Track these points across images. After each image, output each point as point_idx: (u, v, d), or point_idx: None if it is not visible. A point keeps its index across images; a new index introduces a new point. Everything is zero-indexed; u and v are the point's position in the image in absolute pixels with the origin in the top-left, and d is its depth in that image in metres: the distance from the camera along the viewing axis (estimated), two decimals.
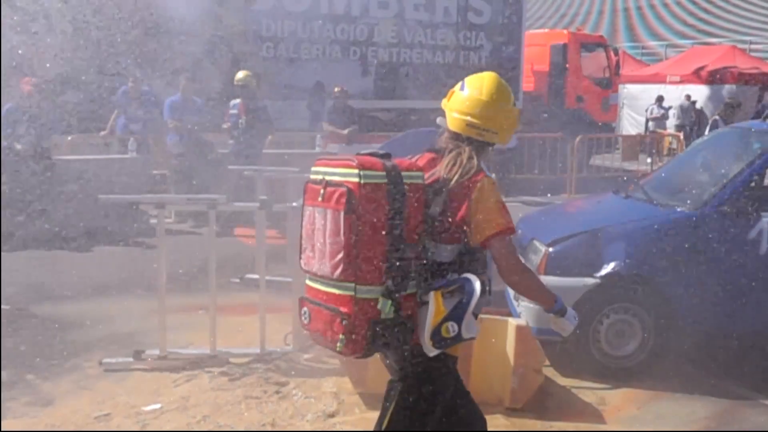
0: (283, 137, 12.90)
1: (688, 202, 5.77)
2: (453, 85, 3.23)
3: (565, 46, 18.77)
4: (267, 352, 5.56)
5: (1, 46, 9.21)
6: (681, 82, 21.56)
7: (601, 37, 21.75)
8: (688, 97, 19.72)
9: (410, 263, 2.81)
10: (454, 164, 2.98)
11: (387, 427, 3.04)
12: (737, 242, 5.56)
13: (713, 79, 21.13)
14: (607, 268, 5.43)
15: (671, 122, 20.07)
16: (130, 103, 11.24)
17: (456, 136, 3.08)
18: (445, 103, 3.16)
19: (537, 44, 18.37)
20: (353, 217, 2.70)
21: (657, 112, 20.24)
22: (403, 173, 2.83)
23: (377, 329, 2.74)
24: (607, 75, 19.13)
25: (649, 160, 17.12)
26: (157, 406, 4.84)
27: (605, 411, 5.00)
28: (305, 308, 2.96)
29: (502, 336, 4.83)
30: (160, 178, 10.91)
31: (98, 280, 7.55)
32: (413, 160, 3.10)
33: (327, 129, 12.20)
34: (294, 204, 5.83)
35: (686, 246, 5.53)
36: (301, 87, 14.14)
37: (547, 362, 5.52)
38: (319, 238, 2.83)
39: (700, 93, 20.54)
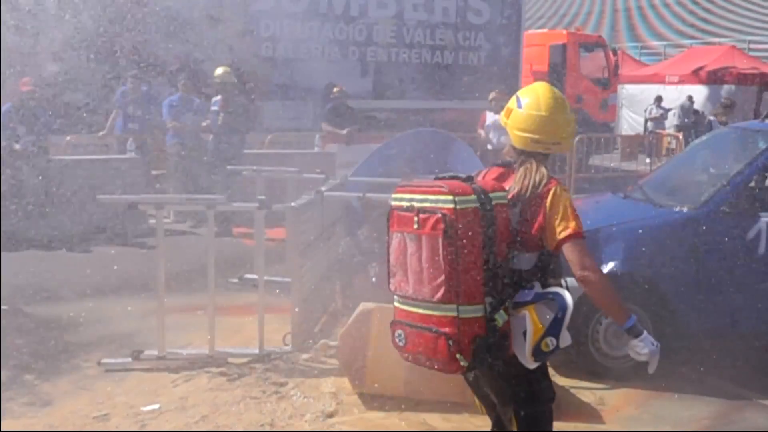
0: (282, 137, 12.91)
1: (687, 202, 5.77)
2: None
3: (563, 46, 18.78)
4: (266, 352, 5.56)
5: (1, 46, 9.21)
6: (680, 82, 21.56)
7: (600, 37, 21.75)
8: (690, 97, 19.72)
9: (503, 278, 2.96)
10: (524, 178, 3.13)
11: None
12: (736, 242, 5.56)
13: (712, 79, 21.13)
14: (606, 268, 5.43)
15: (672, 122, 20.06)
16: (129, 103, 11.23)
17: (521, 151, 3.21)
18: (504, 121, 3.26)
19: (536, 44, 18.38)
20: (451, 241, 2.82)
21: (656, 112, 20.24)
22: (491, 194, 2.95)
23: (480, 345, 2.87)
24: (605, 75, 19.14)
25: (648, 160, 17.13)
26: (156, 406, 4.84)
27: (604, 411, 5.00)
28: (400, 331, 3.06)
29: None
30: (160, 178, 10.92)
31: (97, 281, 7.54)
32: (486, 176, 3.23)
33: (325, 129, 12.19)
34: (293, 204, 5.83)
35: (685, 246, 5.53)
36: (300, 87, 14.13)
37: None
38: (414, 263, 2.93)
39: (698, 93, 20.55)
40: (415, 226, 2.91)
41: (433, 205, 2.89)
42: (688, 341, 5.55)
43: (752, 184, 5.84)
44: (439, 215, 2.84)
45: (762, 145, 5.95)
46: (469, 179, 3.03)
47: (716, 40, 28.53)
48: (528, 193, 3.09)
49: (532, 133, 3.16)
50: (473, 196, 2.90)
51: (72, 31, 11.01)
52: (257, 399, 4.95)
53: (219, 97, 10.33)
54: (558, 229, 3.03)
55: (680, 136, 17.42)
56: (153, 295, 5.63)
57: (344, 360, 4.95)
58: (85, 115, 11.30)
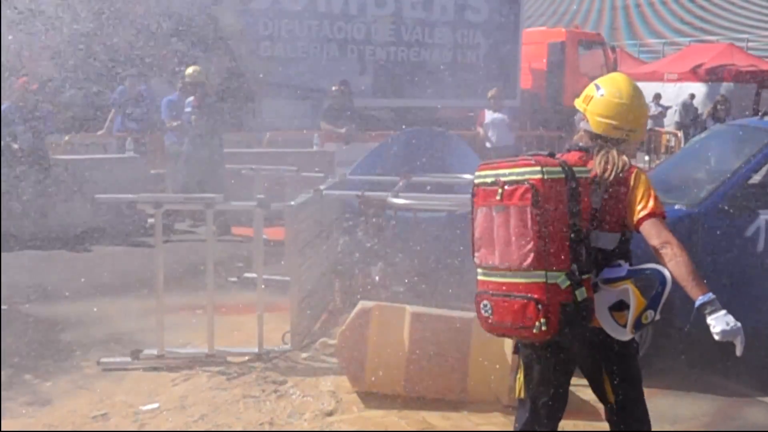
0: (281, 136, 12.92)
1: (686, 199, 5.77)
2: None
3: (562, 44, 18.80)
4: (265, 351, 5.55)
5: (1, 46, 9.21)
6: (678, 80, 21.56)
7: (599, 35, 21.76)
8: (692, 95, 19.70)
9: (587, 249, 3.09)
10: (606, 163, 3.24)
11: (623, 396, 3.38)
12: (734, 239, 5.56)
13: (711, 77, 21.12)
14: None
15: (673, 120, 20.04)
16: (128, 103, 11.22)
17: (598, 136, 3.33)
18: (583, 107, 3.39)
19: (534, 42, 18.40)
20: (539, 210, 2.95)
21: (654, 110, 20.22)
22: (574, 168, 3.09)
23: (567, 311, 2.99)
24: (604, 73, 19.09)
25: (646, 158, 17.12)
26: (155, 405, 4.83)
27: (603, 409, 4.99)
28: (486, 302, 3.16)
29: None
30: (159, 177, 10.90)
31: (96, 280, 7.53)
32: (566, 157, 3.32)
33: (324, 128, 12.19)
34: (292, 203, 5.83)
35: (683, 243, 5.51)
36: (299, 86, 14.12)
37: None
38: (502, 234, 3.06)
39: (697, 91, 20.55)
40: (498, 198, 3.05)
41: (520, 177, 3.02)
42: (686, 339, 5.54)
43: (756, 180, 5.83)
44: (527, 185, 2.97)
45: (760, 143, 5.95)
46: (552, 155, 3.18)
47: (713, 38, 28.54)
48: (612, 177, 3.21)
49: (613, 119, 3.29)
50: (559, 168, 3.03)
51: (70, 30, 11.00)
52: (256, 398, 4.95)
53: (192, 98, 10.01)
54: (638, 208, 3.18)
55: (679, 134, 17.41)
56: (152, 294, 5.63)
57: (343, 358, 4.95)
58: (85, 112, 11.31)
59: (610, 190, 3.22)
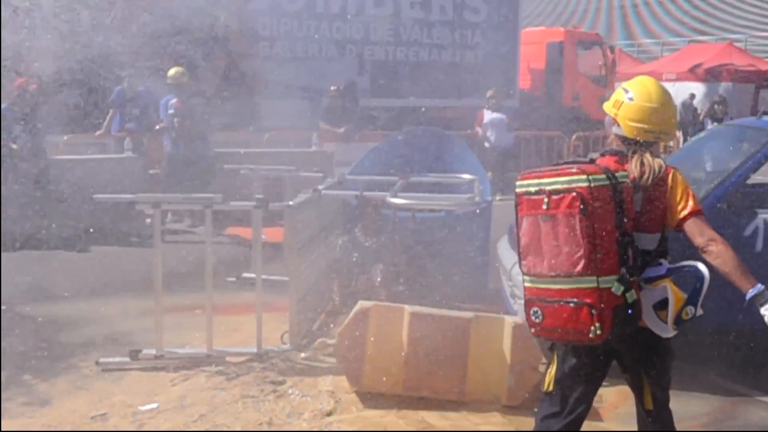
0: (280, 135, 12.91)
1: None
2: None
3: (561, 43, 18.79)
4: (264, 351, 5.55)
5: (0, 46, 9.19)
6: (677, 79, 21.57)
7: (598, 35, 21.77)
8: (692, 95, 19.69)
9: (634, 251, 3.18)
10: (642, 166, 3.31)
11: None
12: (733, 240, 5.54)
13: (709, 76, 21.13)
14: None
15: None
16: (126, 103, 11.20)
17: (631, 140, 3.38)
18: (614, 112, 3.44)
19: (533, 42, 18.39)
20: (588, 217, 3.03)
21: None
22: (616, 174, 3.17)
23: (620, 314, 3.07)
24: (603, 73, 19.14)
25: None
26: (154, 405, 4.83)
27: (602, 408, 5.00)
28: (536, 308, 3.22)
29: (499, 334, 4.83)
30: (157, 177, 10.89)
31: (94, 280, 7.53)
32: (602, 161, 3.41)
33: (323, 127, 12.18)
34: (291, 203, 5.83)
35: (682, 243, 5.52)
36: (298, 86, 14.12)
37: (544, 360, 5.50)
38: (550, 242, 3.12)
39: (696, 91, 20.57)
40: (545, 207, 3.10)
41: (566, 185, 3.08)
42: (685, 338, 5.54)
43: (755, 180, 5.82)
44: (575, 194, 3.04)
45: (759, 143, 5.94)
46: (592, 161, 3.29)
47: (710, 39, 28.56)
48: (650, 180, 3.27)
49: (645, 123, 3.34)
50: (603, 175, 3.10)
51: (68, 30, 10.99)
52: (255, 398, 4.95)
53: (175, 100, 10.02)
54: (678, 208, 3.28)
55: (678, 134, 17.42)
56: (150, 294, 5.62)
57: (342, 358, 4.95)
58: (83, 113, 11.30)
59: (649, 192, 3.29)
